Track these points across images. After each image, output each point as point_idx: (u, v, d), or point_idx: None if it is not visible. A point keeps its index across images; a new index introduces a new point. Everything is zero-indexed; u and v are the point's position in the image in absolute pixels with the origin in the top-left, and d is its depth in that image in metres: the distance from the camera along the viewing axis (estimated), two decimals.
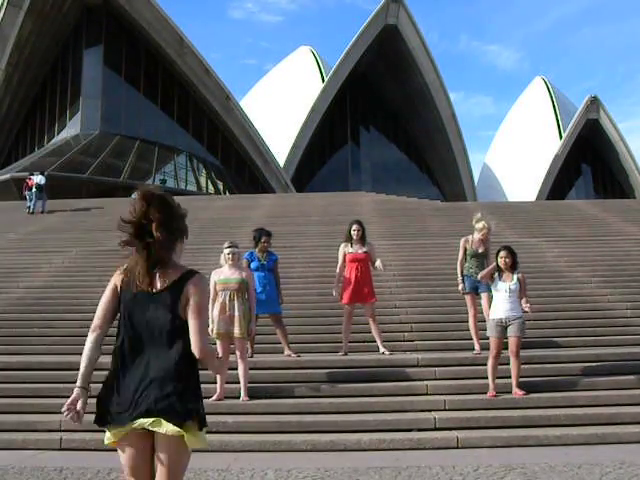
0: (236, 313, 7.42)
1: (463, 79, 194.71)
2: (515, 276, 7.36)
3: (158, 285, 2.88)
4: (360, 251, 8.78)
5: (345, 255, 8.79)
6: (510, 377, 7.23)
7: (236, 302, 7.45)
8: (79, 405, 2.86)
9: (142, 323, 2.87)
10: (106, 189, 38.00)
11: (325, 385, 7.58)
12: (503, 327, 7.27)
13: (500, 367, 7.30)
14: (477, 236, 8.76)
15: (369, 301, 8.69)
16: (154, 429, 2.79)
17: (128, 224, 2.84)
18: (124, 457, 2.89)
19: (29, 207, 23.44)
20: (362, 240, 8.85)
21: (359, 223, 8.90)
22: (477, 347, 8.43)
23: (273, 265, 8.63)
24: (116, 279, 2.96)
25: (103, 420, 2.87)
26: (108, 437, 2.89)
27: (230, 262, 7.66)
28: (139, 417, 2.79)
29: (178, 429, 2.77)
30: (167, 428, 2.77)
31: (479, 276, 7.89)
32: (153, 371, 2.82)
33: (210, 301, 7.55)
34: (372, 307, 8.74)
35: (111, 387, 2.87)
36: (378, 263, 8.69)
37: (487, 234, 8.73)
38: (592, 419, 6.69)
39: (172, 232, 2.89)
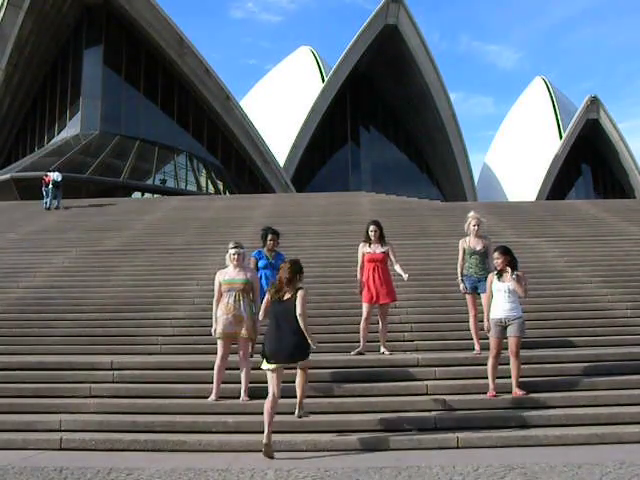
0: (244, 314, 7.43)
1: (463, 79, 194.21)
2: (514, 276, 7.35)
3: (288, 296, 6.41)
4: (378, 251, 8.84)
5: (364, 255, 8.86)
6: (510, 377, 7.23)
7: (242, 303, 7.46)
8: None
9: (281, 312, 6.38)
10: (106, 189, 38.03)
11: (325, 385, 7.59)
12: (503, 327, 7.27)
13: (500, 367, 7.30)
14: (470, 232, 8.79)
15: (387, 301, 8.77)
16: (292, 364, 6.44)
17: (286, 275, 6.51)
18: (275, 375, 6.27)
19: (45, 203, 23.88)
20: (380, 240, 8.91)
21: (376, 224, 8.95)
22: (477, 347, 8.44)
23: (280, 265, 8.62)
24: (270, 292, 6.57)
25: (265, 357, 6.29)
26: (268, 367, 6.28)
27: (235, 262, 7.66)
28: (283, 360, 6.28)
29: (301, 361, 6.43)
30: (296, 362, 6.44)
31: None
32: (286, 335, 6.25)
33: (214, 301, 7.58)
34: (388, 307, 8.84)
35: (267, 341, 6.36)
36: (399, 269, 8.77)
37: (475, 227, 8.73)
38: (592, 419, 6.69)
39: (297, 279, 6.54)
